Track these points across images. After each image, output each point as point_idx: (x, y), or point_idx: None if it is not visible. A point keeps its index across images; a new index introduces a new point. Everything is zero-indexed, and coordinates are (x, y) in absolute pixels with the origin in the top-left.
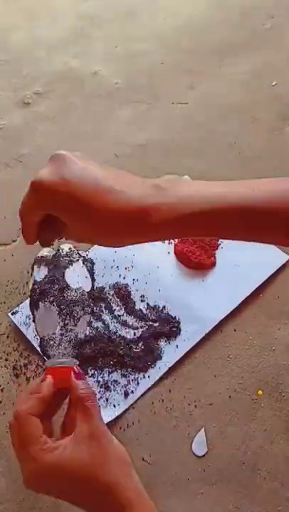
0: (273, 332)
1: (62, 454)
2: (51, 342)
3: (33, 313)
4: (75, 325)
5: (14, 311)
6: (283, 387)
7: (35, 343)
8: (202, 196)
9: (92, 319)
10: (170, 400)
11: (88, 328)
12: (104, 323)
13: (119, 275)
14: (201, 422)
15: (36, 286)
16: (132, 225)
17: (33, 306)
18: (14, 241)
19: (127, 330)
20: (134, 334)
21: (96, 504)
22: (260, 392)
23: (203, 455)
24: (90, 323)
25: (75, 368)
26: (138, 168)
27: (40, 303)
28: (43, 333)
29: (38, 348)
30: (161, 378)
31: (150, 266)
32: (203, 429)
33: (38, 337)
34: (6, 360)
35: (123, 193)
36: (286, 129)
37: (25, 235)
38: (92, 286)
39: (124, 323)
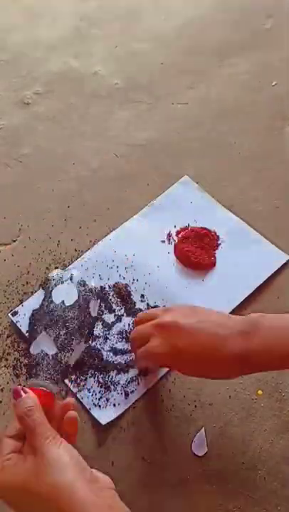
0: None
1: (9, 469)
2: (40, 362)
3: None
4: (65, 350)
5: (14, 311)
6: (283, 387)
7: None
8: (284, 339)
9: (86, 344)
10: (170, 399)
11: (80, 353)
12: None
13: (119, 275)
14: (201, 422)
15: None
16: (233, 369)
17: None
18: (14, 241)
19: (121, 356)
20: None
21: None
22: (260, 392)
23: (203, 455)
24: (84, 351)
25: (44, 390)
26: (138, 168)
27: (35, 327)
28: (33, 352)
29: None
30: (161, 378)
31: (150, 266)
32: (203, 429)
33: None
34: (6, 360)
35: (220, 350)
36: (286, 129)
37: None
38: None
39: (118, 351)
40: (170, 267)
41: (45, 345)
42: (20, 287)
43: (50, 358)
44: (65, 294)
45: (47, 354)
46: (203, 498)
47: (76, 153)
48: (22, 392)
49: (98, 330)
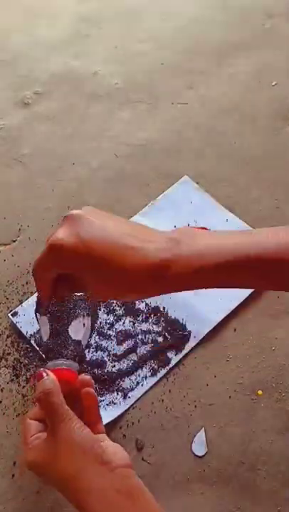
0: (273, 332)
1: (35, 447)
2: (55, 345)
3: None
4: (68, 327)
5: (14, 311)
6: (283, 387)
7: (35, 343)
8: (215, 249)
9: (92, 323)
10: (170, 399)
11: (89, 332)
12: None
13: None
14: (201, 422)
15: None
16: (151, 279)
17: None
18: (14, 241)
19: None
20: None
21: (63, 492)
22: (260, 392)
23: (203, 455)
24: (91, 327)
25: (67, 368)
26: (138, 169)
27: (36, 314)
28: (45, 339)
29: (38, 348)
30: (161, 378)
31: None
32: (203, 429)
33: (39, 339)
34: (6, 360)
35: (141, 249)
36: (286, 129)
37: (41, 292)
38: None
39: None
40: None
41: (42, 326)
42: (20, 287)
43: (65, 339)
44: None
45: (62, 336)
46: (203, 498)
47: (76, 153)
48: (44, 374)
49: (99, 334)
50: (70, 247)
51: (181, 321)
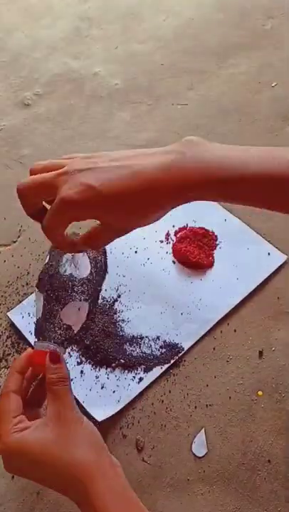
0: (273, 332)
1: (28, 433)
2: (45, 326)
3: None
4: (61, 309)
5: (14, 311)
6: (283, 388)
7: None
8: (218, 162)
9: (89, 308)
10: (170, 400)
11: (84, 318)
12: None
13: (117, 274)
14: (201, 423)
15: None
16: (163, 192)
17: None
18: (14, 242)
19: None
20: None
21: (55, 482)
22: (260, 392)
23: (203, 456)
24: (87, 314)
25: (51, 350)
26: None
27: (36, 289)
28: (37, 316)
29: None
30: (161, 379)
31: (149, 265)
32: (203, 430)
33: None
34: (6, 361)
35: (145, 170)
36: (286, 129)
37: (61, 245)
38: (100, 276)
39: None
40: (169, 267)
41: (38, 304)
42: (20, 288)
43: (56, 322)
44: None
45: (53, 318)
46: (204, 498)
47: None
48: (63, 357)
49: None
50: (81, 197)
51: (175, 342)
